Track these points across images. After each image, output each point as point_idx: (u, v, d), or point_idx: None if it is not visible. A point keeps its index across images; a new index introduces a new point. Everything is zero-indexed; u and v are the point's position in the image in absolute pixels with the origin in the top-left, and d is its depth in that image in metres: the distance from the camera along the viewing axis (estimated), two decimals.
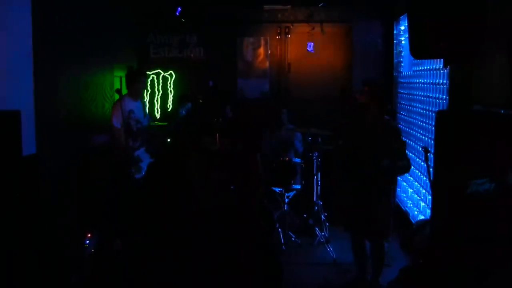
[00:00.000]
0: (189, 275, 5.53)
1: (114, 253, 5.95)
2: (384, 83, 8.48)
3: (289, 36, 9.00)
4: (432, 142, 5.63)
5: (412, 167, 6.63)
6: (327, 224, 7.28)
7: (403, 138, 5.39)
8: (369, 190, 5.17)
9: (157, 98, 9.13)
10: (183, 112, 7.78)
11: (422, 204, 6.33)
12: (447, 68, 5.20)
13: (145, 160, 6.50)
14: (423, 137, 6.27)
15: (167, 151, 7.64)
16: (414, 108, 6.81)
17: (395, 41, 8.24)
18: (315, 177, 7.39)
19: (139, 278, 5.60)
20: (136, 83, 6.57)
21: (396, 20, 8.13)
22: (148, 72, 9.05)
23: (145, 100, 8.81)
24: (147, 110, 6.92)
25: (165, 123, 8.75)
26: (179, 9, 8.47)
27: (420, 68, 6.51)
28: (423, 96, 6.32)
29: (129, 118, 6.29)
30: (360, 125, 5.38)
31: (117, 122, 6.23)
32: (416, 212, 6.62)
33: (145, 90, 9.06)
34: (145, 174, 6.40)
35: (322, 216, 7.28)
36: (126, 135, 6.24)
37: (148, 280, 5.59)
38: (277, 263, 6.01)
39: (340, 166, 6.04)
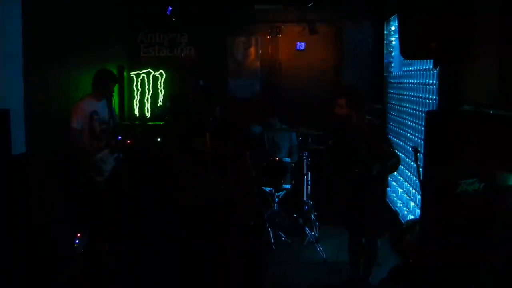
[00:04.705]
0: (175, 272, 5.55)
1: (103, 254, 5.95)
2: (374, 83, 8.52)
3: (280, 36, 9.00)
4: (422, 142, 5.66)
5: (402, 167, 6.66)
6: (317, 223, 7.30)
7: (389, 136, 5.44)
8: (363, 189, 5.22)
9: (147, 98, 9.10)
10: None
11: (412, 204, 6.36)
12: (437, 69, 5.22)
13: (108, 162, 6.26)
14: (413, 137, 6.29)
15: (158, 151, 7.64)
16: (404, 108, 6.83)
17: (385, 42, 8.27)
18: (305, 176, 7.41)
19: (127, 276, 5.61)
20: (106, 88, 6.25)
21: (386, 20, 8.15)
22: (138, 72, 9.03)
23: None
24: (115, 108, 6.61)
25: (156, 123, 8.73)
26: (170, 8, 8.45)
27: (410, 68, 6.53)
28: (413, 96, 6.34)
29: (92, 119, 6.08)
30: (345, 131, 5.43)
31: (77, 123, 5.99)
32: (406, 212, 6.64)
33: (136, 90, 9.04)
34: (114, 175, 6.27)
35: (312, 216, 7.30)
36: (90, 137, 6.12)
37: (135, 277, 5.59)
38: (260, 262, 6.04)
39: (330, 166, 6.06)
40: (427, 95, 5.76)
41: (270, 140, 7.85)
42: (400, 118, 7.10)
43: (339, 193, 5.69)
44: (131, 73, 9.03)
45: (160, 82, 9.12)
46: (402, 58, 5.96)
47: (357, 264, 5.65)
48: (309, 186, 7.47)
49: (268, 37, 9.07)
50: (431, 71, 5.61)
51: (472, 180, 3.36)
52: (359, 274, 5.63)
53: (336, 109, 5.40)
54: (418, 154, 4.47)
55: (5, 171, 4.48)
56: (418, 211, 5.94)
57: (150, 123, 8.88)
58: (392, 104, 7.81)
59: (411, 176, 6.43)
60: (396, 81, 7.57)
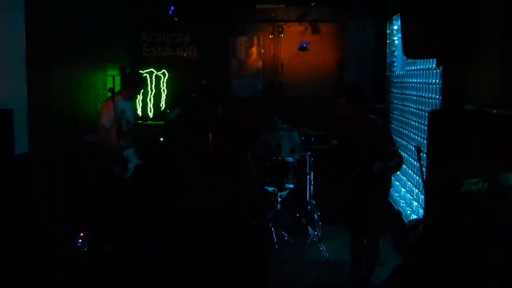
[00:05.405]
0: (178, 273, 5.54)
1: (105, 255, 5.95)
2: (376, 82, 8.51)
3: (282, 35, 9.00)
4: (425, 141, 5.65)
5: (405, 166, 6.65)
6: (320, 223, 7.29)
7: (392, 136, 5.42)
8: (364, 189, 5.20)
9: (150, 97, 9.11)
10: (171, 117, 7.78)
11: (415, 203, 6.35)
12: (440, 68, 5.21)
13: (133, 160, 6.44)
14: (416, 137, 6.28)
15: (160, 151, 7.65)
16: (407, 108, 6.83)
17: (388, 41, 8.25)
18: (308, 176, 7.40)
19: (129, 277, 5.61)
20: (135, 88, 6.62)
21: (389, 19, 8.14)
22: (141, 71, 9.04)
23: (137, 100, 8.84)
24: (135, 109, 6.92)
25: (159, 122, 8.74)
26: (172, 8, 8.46)
27: (413, 67, 6.52)
28: (416, 95, 6.34)
29: (121, 117, 6.23)
30: (348, 129, 5.42)
31: (107, 121, 6.15)
32: (409, 212, 6.63)
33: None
34: (135, 174, 6.39)
35: (315, 216, 7.29)
36: (117, 135, 6.20)
37: (137, 278, 5.59)
38: (265, 262, 6.04)
39: (334, 166, 6.06)
40: (430, 95, 5.75)
41: (271, 140, 7.83)
42: (403, 117, 7.09)
43: (341, 193, 5.68)
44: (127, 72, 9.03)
45: (163, 82, 9.13)
46: (405, 58, 5.95)
47: (359, 264, 5.64)
48: (312, 186, 7.46)
49: (270, 36, 9.07)
50: (434, 70, 5.60)
51: (476, 180, 3.35)
52: (361, 274, 5.62)
53: (338, 107, 5.38)
54: (421, 153, 4.47)
55: (8, 171, 4.48)
56: (421, 211, 5.93)
57: (152, 122, 8.90)
58: (395, 103, 7.80)
59: (414, 175, 6.42)
60: (399, 80, 7.56)
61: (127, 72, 6.62)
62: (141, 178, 6.52)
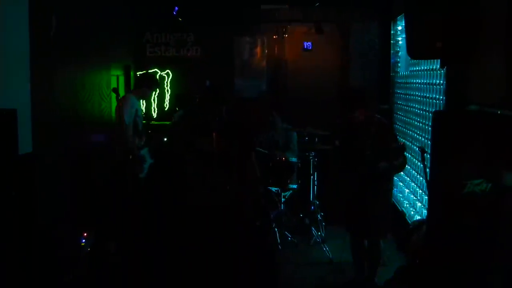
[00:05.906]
0: (182, 273, 5.55)
1: (109, 254, 5.95)
2: (380, 83, 8.50)
3: (286, 35, 8.98)
4: (429, 142, 5.64)
5: (409, 167, 6.64)
6: (323, 223, 7.29)
7: (399, 138, 5.42)
8: (367, 189, 5.20)
9: (154, 98, 9.11)
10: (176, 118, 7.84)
11: (419, 204, 6.34)
12: (444, 69, 5.20)
13: (148, 160, 6.49)
14: (420, 137, 6.27)
15: (164, 151, 7.66)
16: (411, 109, 6.82)
17: (392, 41, 8.24)
18: (312, 176, 7.39)
19: (133, 277, 5.61)
20: (149, 89, 6.77)
21: (393, 20, 8.12)
22: (145, 72, 9.04)
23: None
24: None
25: (163, 123, 8.74)
26: (176, 8, 8.46)
27: (417, 68, 6.51)
28: (420, 96, 6.33)
29: (137, 116, 6.30)
30: (353, 129, 5.41)
31: (126, 117, 6.20)
32: (412, 212, 6.62)
33: None
34: (150, 174, 6.44)
35: (319, 216, 7.29)
36: (133, 133, 6.27)
37: (142, 278, 5.60)
38: (273, 263, 6.05)
39: (337, 166, 6.06)
40: (434, 95, 5.74)
41: (270, 138, 7.80)
42: (407, 118, 7.08)
43: (343, 193, 5.69)
44: (137, 73, 9.03)
45: (167, 82, 9.13)
46: (409, 58, 5.94)
47: (361, 265, 5.64)
48: (315, 186, 7.46)
49: (274, 37, 9.06)
50: (438, 71, 5.59)
51: (479, 181, 3.34)
52: (363, 274, 5.62)
53: (354, 118, 5.37)
54: (425, 154, 4.46)
55: (12, 171, 4.48)
56: (424, 212, 5.92)
57: (155, 122, 8.90)
58: (399, 104, 7.79)
59: (418, 176, 6.41)
60: (403, 81, 7.55)
61: (142, 72, 6.74)
62: (154, 178, 6.57)
